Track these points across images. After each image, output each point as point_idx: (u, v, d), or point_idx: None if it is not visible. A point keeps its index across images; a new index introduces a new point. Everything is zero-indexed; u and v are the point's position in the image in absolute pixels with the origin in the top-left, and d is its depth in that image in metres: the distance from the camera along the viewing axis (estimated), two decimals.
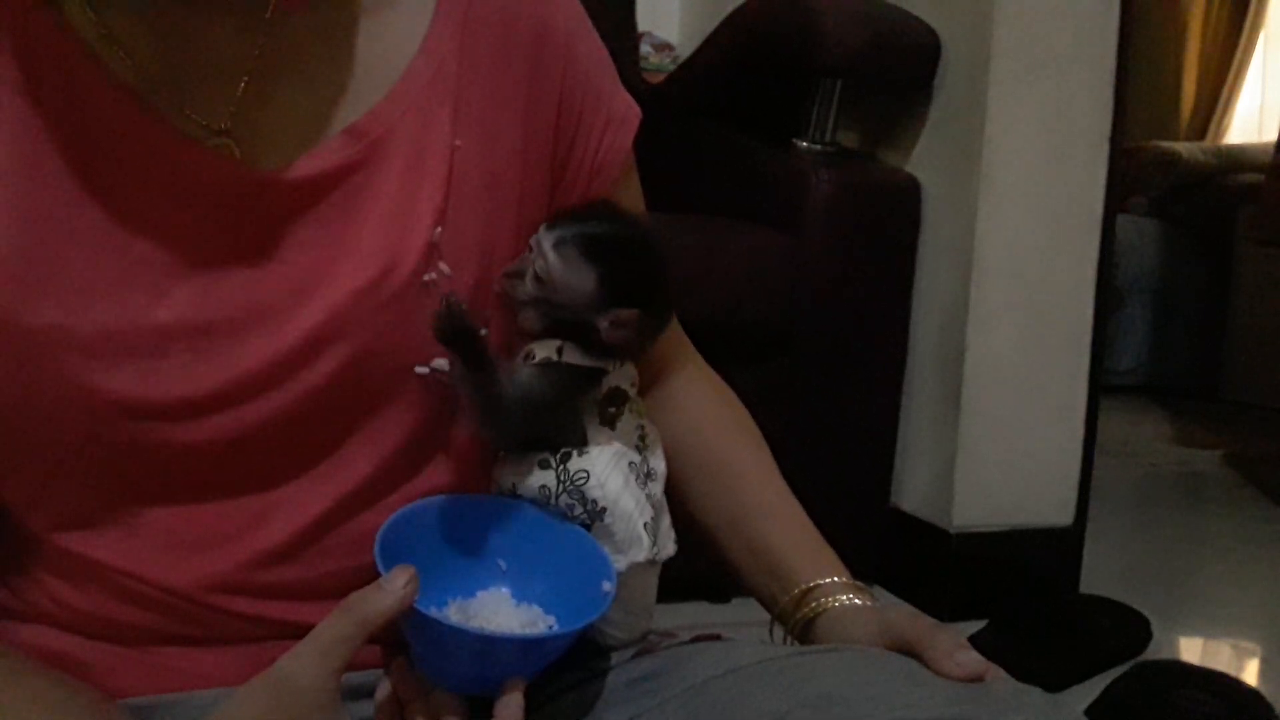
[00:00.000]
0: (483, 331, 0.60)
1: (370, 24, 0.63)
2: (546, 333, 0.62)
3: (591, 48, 0.71)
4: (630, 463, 0.62)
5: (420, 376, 0.60)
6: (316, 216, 0.60)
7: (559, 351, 0.61)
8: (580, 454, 0.61)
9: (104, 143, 0.57)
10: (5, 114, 0.55)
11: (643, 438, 0.65)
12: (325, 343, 0.59)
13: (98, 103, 0.57)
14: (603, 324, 0.61)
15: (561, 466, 0.61)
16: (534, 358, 0.61)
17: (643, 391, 0.70)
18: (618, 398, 0.64)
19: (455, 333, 0.58)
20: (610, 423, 0.63)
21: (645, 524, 0.62)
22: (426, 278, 0.61)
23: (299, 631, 0.54)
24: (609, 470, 0.61)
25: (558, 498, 0.61)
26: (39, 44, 0.56)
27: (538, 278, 0.61)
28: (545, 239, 0.61)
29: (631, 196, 0.74)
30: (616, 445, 0.62)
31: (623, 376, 0.65)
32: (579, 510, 0.61)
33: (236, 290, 0.58)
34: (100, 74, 0.57)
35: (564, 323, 0.61)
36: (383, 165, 0.61)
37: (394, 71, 0.63)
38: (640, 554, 0.61)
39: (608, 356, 0.63)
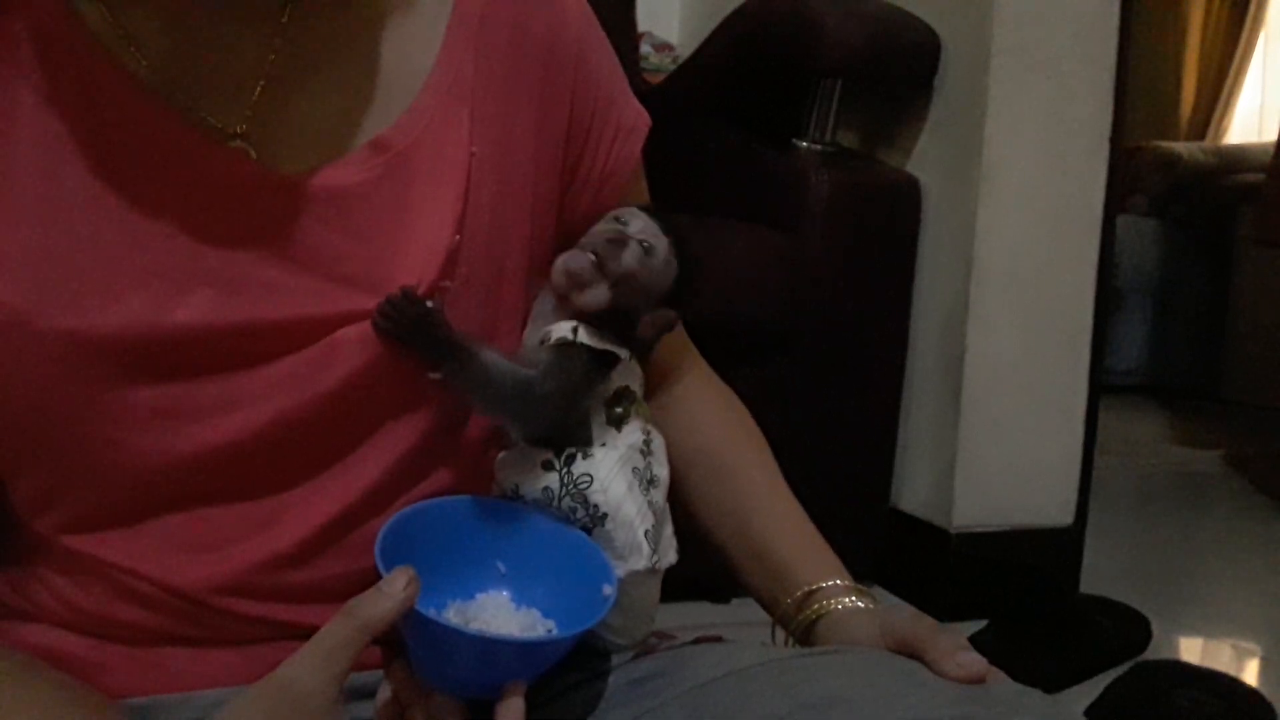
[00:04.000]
0: (429, 303, 0.59)
1: (387, 30, 0.63)
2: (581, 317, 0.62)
3: (603, 56, 0.71)
4: (634, 468, 0.62)
5: (430, 382, 0.60)
6: (343, 227, 0.60)
7: (574, 331, 0.60)
8: (585, 456, 0.61)
9: (122, 142, 0.57)
10: (24, 114, 0.55)
11: (647, 442, 0.64)
12: (343, 349, 0.59)
13: (116, 102, 0.57)
14: (646, 319, 0.61)
15: (565, 469, 0.61)
16: (550, 339, 0.61)
17: (648, 395, 0.70)
18: (625, 397, 0.64)
19: (405, 321, 0.58)
20: (617, 424, 0.63)
21: (646, 531, 0.61)
22: (443, 284, 0.61)
23: (303, 633, 0.54)
24: (613, 475, 0.61)
25: (560, 500, 0.61)
26: (57, 44, 0.56)
27: (646, 252, 0.60)
28: (653, 223, 0.61)
29: (640, 202, 0.74)
30: (622, 448, 0.62)
31: (631, 376, 0.65)
32: (580, 514, 0.61)
33: (258, 294, 0.58)
34: (118, 73, 0.57)
35: (614, 311, 0.61)
36: (407, 177, 0.61)
37: (414, 81, 0.63)
38: (640, 562, 0.61)
39: (624, 345, 0.63)
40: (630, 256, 0.60)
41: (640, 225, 0.61)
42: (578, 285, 0.60)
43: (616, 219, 0.62)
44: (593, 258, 0.59)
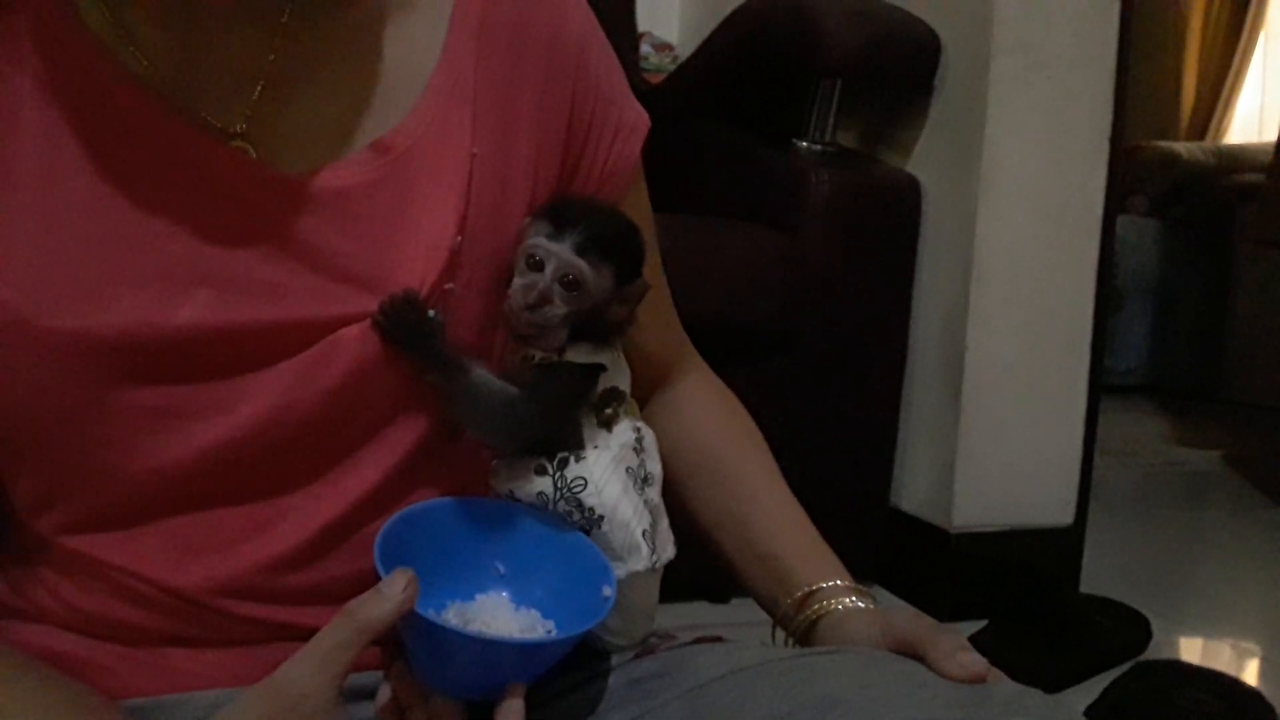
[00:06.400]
0: (431, 313, 0.59)
1: (388, 31, 0.63)
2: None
3: (603, 56, 0.71)
4: (628, 468, 0.62)
5: (430, 385, 0.60)
6: (345, 227, 0.60)
7: (559, 352, 0.61)
8: (577, 460, 0.61)
9: (124, 141, 0.57)
10: (25, 113, 0.55)
11: (639, 440, 0.64)
12: (344, 350, 0.58)
13: (117, 101, 0.57)
14: (613, 305, 0.61)
15: (559, 473, 0.60)
16: (535, 358, 0.61)
17: (646, 395, 0.70)
18: (614, 398, 0.63)
19: (403, 326, 0.58)
20: (607, 424, 0.63)
21: (644, 531, 0.61)
22: (446, 286, 0.61)
23: (303, 635, 0.54)
24: (607, 477, 0.61)
25: (555, 505, 0.61)
26: (59, 43, 0.56)
27: (569, 287, 0.59)
28: (562, 250, 0.59)
29: (640, 203, 0.74)
30: (614, 449, 0.62)
31: (620, 376, 0.64)
32: (576, 517, 0.61)
33: (259, 294, 0.58)
34: (118, 73, 0.57)
35: (581, 325, 0.61)
36: (408, 178, 0.61)
37: (416, 82, 0.63)
38: (639, 563, 0.61)
39: (606, 343, 0.63)
40: (560, 303, 0.59)
41: (554, 264, 0.59)
42: (535, 337, 0.60)
43: (529, 261, 0.60)
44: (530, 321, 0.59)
